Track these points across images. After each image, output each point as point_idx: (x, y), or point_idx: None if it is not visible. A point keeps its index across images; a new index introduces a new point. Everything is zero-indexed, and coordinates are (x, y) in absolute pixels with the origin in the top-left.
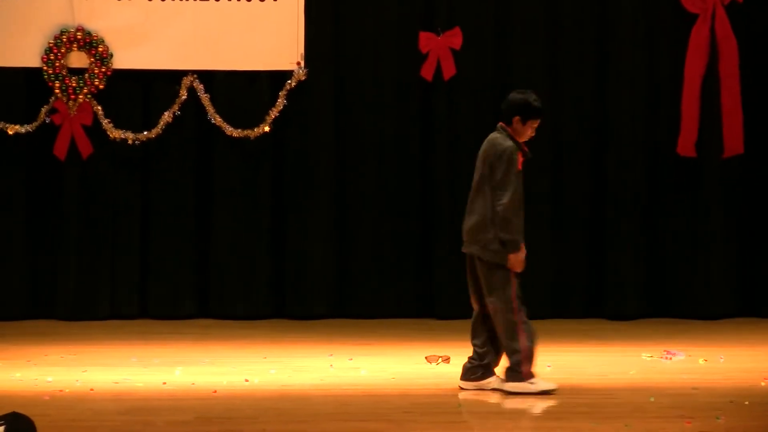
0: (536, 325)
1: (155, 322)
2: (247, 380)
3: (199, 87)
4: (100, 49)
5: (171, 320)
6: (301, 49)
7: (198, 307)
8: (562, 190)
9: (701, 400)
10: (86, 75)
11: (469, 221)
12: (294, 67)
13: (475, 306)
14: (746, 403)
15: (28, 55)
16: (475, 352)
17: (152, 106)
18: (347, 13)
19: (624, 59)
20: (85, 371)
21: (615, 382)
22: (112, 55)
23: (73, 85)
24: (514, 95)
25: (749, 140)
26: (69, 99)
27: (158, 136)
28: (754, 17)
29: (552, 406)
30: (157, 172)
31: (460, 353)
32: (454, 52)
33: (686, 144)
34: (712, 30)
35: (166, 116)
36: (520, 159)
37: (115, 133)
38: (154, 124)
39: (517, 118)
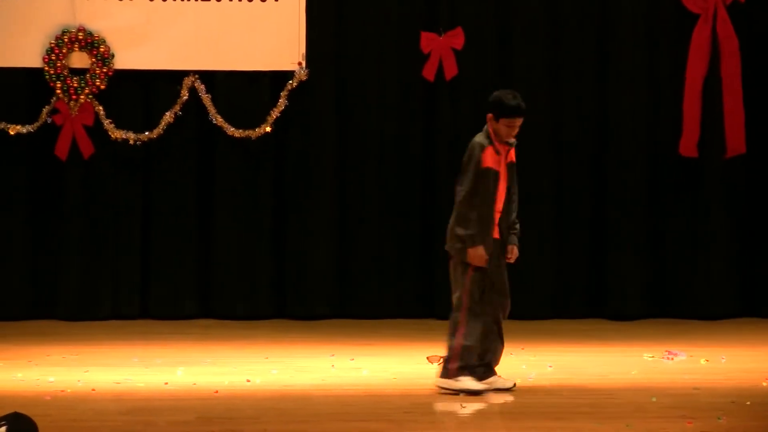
0: (537, 325)
1: (156, 322)
2: (248, 380)
3: (201, 87)
4: (102, 49)
5: (172, 320)
6: (303, 50)
7: (199, 307)
8: (563, 190)
9: (703, 400)
10: (88, 75)
11: (450, 219)
12: (295, 67)
13: None
14: (748, 403)
15: (29, 56)
16: None
17: (153, 107)
18: (348, 13)
19: (624, 59)
20: (87, 371)
21: (616, 383)
22: (113, 56)
23: (75, 85)
24: (494, 93)
25: (751, 140)
26: (70, 99)
27: (159, 137)
28: (756, 17)
29: (553, 406)
30: (159, 173)
31: None
32: (455, 52)
33: (688, 144)
34: (714, 30)
35: (168, 116)
36: (489, 156)
37: (117, 134)
38: (156, 125)
39: (490, 115)
